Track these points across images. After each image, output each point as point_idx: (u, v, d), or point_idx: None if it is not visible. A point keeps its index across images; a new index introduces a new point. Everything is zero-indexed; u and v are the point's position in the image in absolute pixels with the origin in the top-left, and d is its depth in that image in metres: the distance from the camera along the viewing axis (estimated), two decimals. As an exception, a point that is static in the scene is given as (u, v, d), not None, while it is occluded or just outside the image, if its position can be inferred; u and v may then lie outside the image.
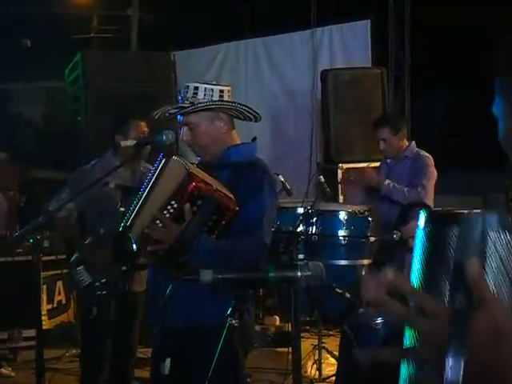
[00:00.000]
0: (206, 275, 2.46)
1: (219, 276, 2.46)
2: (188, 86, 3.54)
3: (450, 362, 1.24)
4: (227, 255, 3.28)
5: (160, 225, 3.27)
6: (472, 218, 1.43)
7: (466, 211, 1.48)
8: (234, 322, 2.51)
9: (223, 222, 3.29)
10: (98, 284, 4.67)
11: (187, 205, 3.23)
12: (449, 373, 1.24)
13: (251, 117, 3.63)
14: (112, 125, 5.36)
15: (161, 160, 3.38)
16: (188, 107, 3.50)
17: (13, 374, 6.71)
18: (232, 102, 3.55)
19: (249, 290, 2.62)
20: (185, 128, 3.57)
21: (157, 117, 3.65)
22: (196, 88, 3.52)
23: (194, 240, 3.24)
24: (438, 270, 1.43)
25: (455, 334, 1.25)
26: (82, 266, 4.85)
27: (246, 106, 3.59)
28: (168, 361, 2.96)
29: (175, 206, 3.25)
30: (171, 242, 3.24)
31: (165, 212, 3.27)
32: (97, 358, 4.99)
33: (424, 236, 1.49)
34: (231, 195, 3.32)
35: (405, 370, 1.49)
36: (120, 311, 4.81)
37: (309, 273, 2.47)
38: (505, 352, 1.25)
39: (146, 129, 5.09)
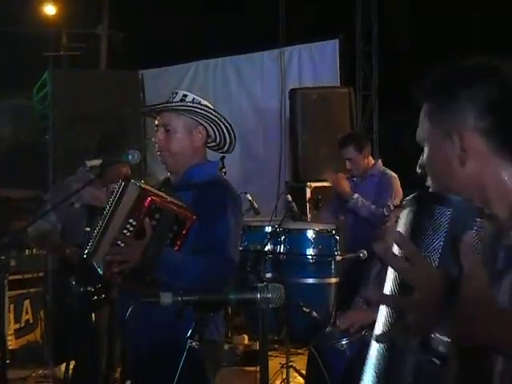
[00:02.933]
0: (166, 297, 2.46)
1: (179, 298, 2.46)
2: (176, 93, 3.53)
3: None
4: (194, 269, 3.27)
5: (122, 245, 3.27)
6: (458, 202, 1.60)
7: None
8: (194, 344, 2.51)
9: (184, 232, 3.30)
10: (92, 290, 4.66)
11: (146, 220, 3.24)
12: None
13: (227, 139, 3.59)
14: (85, 146, 5.40)
15: (120, 185, 3.38)
16: (175, 104, 3.47)
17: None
18: (218, 114, 3.52)
19: (209, 312, 2.62)
20: (161, 130, 3.53)
21: (143, 111, 3.63)
22: (185, 95, 3.50)
23: (158, 253, 3.23)
24: (420, 242, 1.58)
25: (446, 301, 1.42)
26: (74, 276, 4.85)
27: (228, 123, 3.55)
28: (128, 383, 2.95)
29: (134, 223, 3.27)
30: (136, 259, 3.23)
31: (125, 231, 3.28)
32: (91, 369, 4.99)
33: (409, 213, 1.66)
34: (187, 206, 3.33)
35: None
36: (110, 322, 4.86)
37: (269, 295, 2.48)
38: (488, 317, 1.42)
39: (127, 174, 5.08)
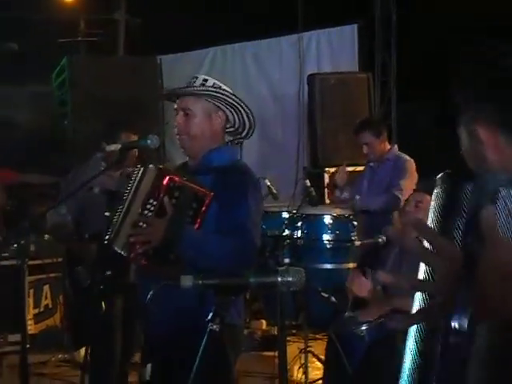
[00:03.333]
0: (187, 280, 2.47)
1: (200, 281, 2.47)
2: (197, 77, 3.54)
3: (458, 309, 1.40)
4: (216, 246, 3.29)
5: (144, 226, 3.29)
6: (486, 175, 1.59)
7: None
8: (215, 327, 2.52)
9: (203, 209, 3.32)
10: (100, 279, 4.68)
11: (166, 198, 3.27)
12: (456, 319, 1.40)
13: (246, 124, 3.58)
14: (102, 131, 5.40)
15: (138, 170, 3.41)
16: (195, 87, 3.48)
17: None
18: (238, 99, 3.51)
19: (230, 296, 2.62)
20: (180, 113, 3.54)
21: (165, 92, 3.64)
22: (205, 80, 3.51)
23: (180, 231, 3.25)
24: (452, 220, 1.57)
25: (466, 277, 1.38)
26: (80, 267, 4.86)
27: (249, 109, 3.55)
28: (149, 366, 2.96)
29: (154, 203, 3.30)
30: (159, 238, 3.25)
31: (145, 212, 3.31)
32: (106, 356, 5.01)
33: (441, 192, 1.65)
34: (202, 185, 3.36)
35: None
36: (124, 306, 4.87)
37: (289, 278, 2.48)
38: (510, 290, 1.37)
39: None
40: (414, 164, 6.40)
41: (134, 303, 4.88)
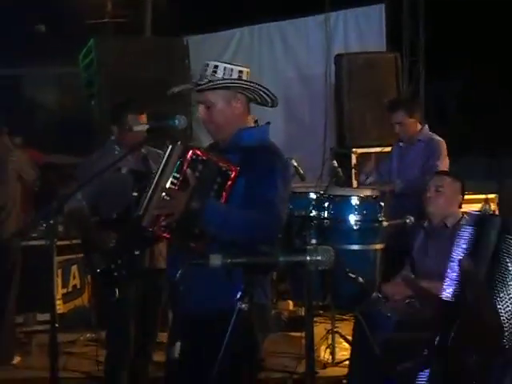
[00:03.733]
0: (216, 259, 2.47)
1: (229, 260, 2.47)
2: (208, 65, 3.55)
3: None
4: (240, 220, 3.31)
5: (168, 199, 3.31)
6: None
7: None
8: (243, 306, 2.52)
9: (229, 183, 3.33)
10: (113, 266, 4.70)
11: (188, 171, 3.30)
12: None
13: (268, 100, 3.62)
14: (110, 115, 5.41)
15: (167, 147, 3.43)
16: (206, 84, 3.50)
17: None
18: (250, 82, 3.54)
19: (259, 275, 2.62)
20: (202, 106, 3.58)
21: (176, 91, 3.67)
22: (216, 66, 3.52)
23: (203, 204, 3.26)
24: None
25: None
26: (94, 253, 4.88)
27: (264, 87, 3.58)
28: (178, 344, 2.97)
29: (178, 176, 3.33)
30: (181, 210, 3.27)
31: (171, 186, 3.33)
32: (120, 340, 5.03)
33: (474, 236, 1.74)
34: (229, 161, 3.37)
35: None
36: (142, 291, 4.87)
37: (318, 257, 2.47)
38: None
39: (145, 121, 5.10)
40: (445, 145, 6.35)
41: (150, 286, 4.90)
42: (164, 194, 3.33)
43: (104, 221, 4.97)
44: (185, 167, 3.31)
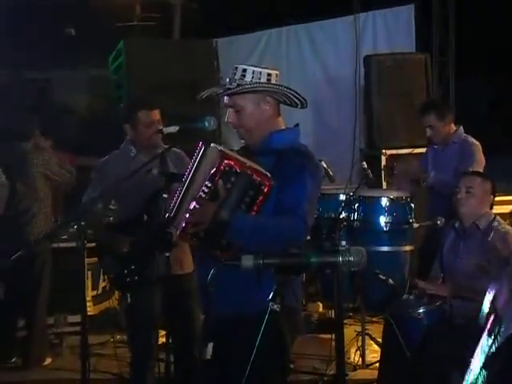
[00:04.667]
0: (248, 260, 2.47)
1: (261, 261, 2.46)
2: (236, 68, 3.54)
3: None
4: (267, 232, 3.28)
5: (197, 207, 3.30)
6: None
7: None
8: (275, 306, 2.51)
9: (261, 198, 3.30)
10: (126, 271, 4.70)
11: (220, 182, 3.26)
12: None
13: (297, 102, 3.61)
14: (121, 115, 5.42)
15: (200, 148, 3.40)
16: (235, 88, 3.50)
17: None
18: (279, 86, 3.53)
19: (290, 275, 2.61)
20: (230, 110, 3.57)
21: (204, 97, 3.67)
22: (244, 70, 3.51)
23: (230, 216, 3.24)
24: None
25: None
26: (107, 256, 4.88)
27: (292, 90, 3.56)
28: (210, 345, 2.96)
29: (210, 185, 3.29)
30: (207, 220, 3.26)
31: (201, 194, 3.30)
32: (143, 345, 5.01)
33: None
34: (266, 172, 3.33)
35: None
36: (164, 297, 4.83)
37: (350, 258, 2.46)
38: None
39: (158, 117, 5.08)
40: (480, 148, 6.30)
41: (173, 291, 4.76)
42: (195, 201, 3.32)
43: (121, 223, 4.97)
44: (217, 178, 3.27)
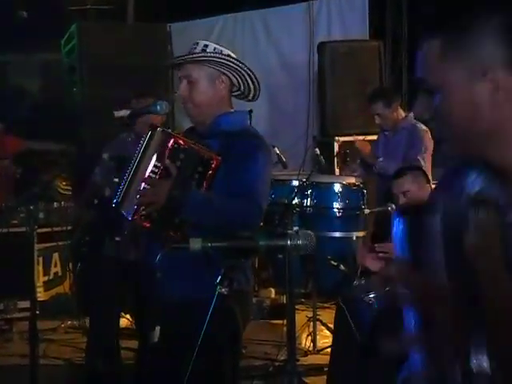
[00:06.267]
0: (196, 243, 2.45)
1: (209, 244, 2.45)
2: (197, 43, 3.49)
3: None
4: (222, 210, 3.28)
5: (148, 187, 3.28)
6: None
7: None
8: (223, 290, 2.50)
9: (210, 172, 3.30)
10: (82, 241, 4.69)
11: (169, 160, 3.28)
12: None
13: (251, 87, 3.56)
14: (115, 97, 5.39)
15: (147, 134, 3.40)
16: (196, 55, 3.44)
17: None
18: (239, 62, 3.48)
19: (240, 259, 2.61)
20: (184, 82, 3.51)
21: (166, 64, 3.63)
22: (206, 45, 3.47)
23: (184, 194, 3.24)
24: (426, 258, 1.54)
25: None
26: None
27: (251, 70, 3.52)
28: (157, 329, 2.95)
29: (159, 165, 3.29)
30: (162, 199, 3.24)
31: (151, 175, 3.31)
32: (101, 327, 5.00)
33: (404, 230, 1.61)
34: (210, 149, 3.34)
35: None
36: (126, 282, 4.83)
37: (299, 242, 2.46)
38: None
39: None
40: (429, 134, 6.34)
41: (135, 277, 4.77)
42: (144, 183, 3.30)
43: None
44: (166, 156, 3.28)
